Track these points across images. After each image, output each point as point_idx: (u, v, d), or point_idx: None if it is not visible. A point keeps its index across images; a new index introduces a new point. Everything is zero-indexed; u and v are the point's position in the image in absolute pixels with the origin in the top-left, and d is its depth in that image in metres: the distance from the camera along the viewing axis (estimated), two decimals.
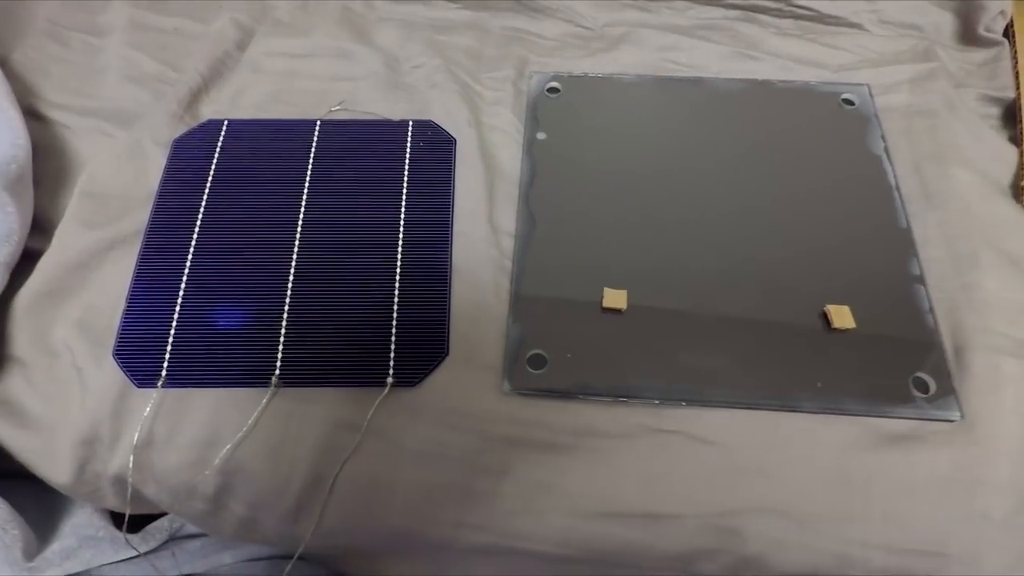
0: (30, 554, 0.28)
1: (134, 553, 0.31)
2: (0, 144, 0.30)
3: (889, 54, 0.37)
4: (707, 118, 0.35)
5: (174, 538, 0.34)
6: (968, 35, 0.38)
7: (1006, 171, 0.33)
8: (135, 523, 0.32)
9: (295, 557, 0.28)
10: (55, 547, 0.29)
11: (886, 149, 0.34)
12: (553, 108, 0.36)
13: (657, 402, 0.28)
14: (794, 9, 0.38)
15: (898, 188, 0.33)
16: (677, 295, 0.30)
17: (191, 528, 0.35)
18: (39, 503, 0.30)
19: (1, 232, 0.29)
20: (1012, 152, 0.34)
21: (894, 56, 0.37)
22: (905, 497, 0.26)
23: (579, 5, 0.39)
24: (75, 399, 0.28)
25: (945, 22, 0.38)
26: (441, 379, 0.28)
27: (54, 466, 0.28)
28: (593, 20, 0.39)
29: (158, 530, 0.32)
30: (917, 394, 0.27)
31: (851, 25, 0.38)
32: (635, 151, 0.34)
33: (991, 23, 0.37)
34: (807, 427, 0.27)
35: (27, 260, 0.31)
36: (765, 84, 0.36)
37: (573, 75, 0.37)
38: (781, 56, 0.37)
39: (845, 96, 0.36)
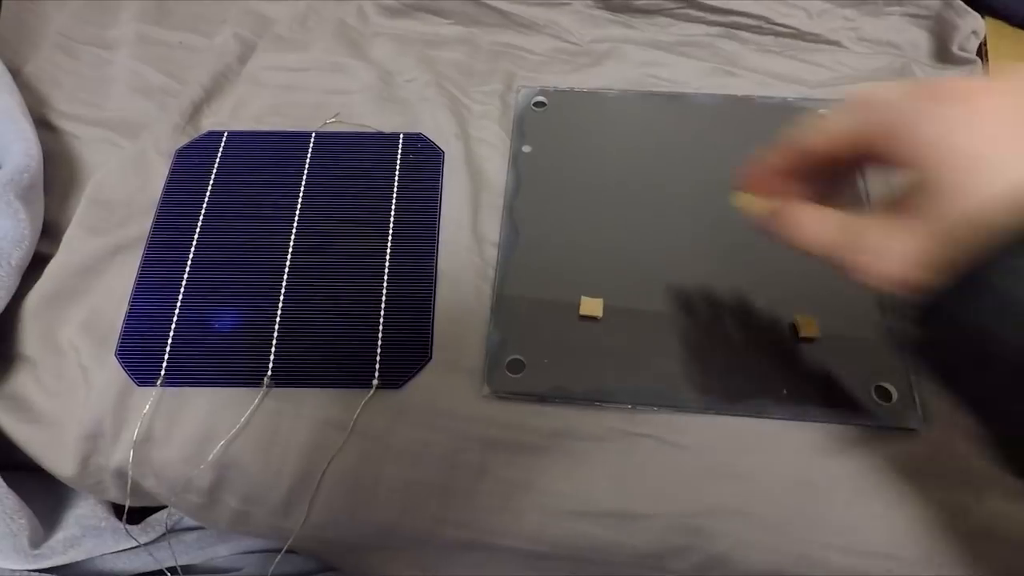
0: (36, 542, 0.29)
1: (134, 544, 0.32)
2: (14, 154, 0.32)
3: (866, 71, 0.39)
4: (687, 133, 0.37)
5: (172, 530, 0.35)
6: (943, 53, 0.39)
7: None
8: (136, 515, 0.33)
9: (283, 550, 0.29)
10: (59, 536, 0.30)
11: None
12: (539, 122, 0.37)
13: (630, 407, 0.29)
14: (774, 27, 0.40)
15: (868, 200, 0.34)
16: (652, 304, 0.31)
17: (189, 521, 0.36)
18: (45, 494, 0.31)
19: (14, 237, 0.30)
20: None
21: (871, 73, 0.38)
22: (863, 501, 0.27)
23: (566, 21, 0.41)
24: (80, 396, 0.30)
25: (921, 40, 0.39)
26: (424, 382, 0.30)
27: (59, 459, 0.30)
28: (580, 36, 0.41)
29: (157, 522, 0.34)
30: (879, 402, 0.29)
31: (830, 42, 0.39)
32: (616, 164, 0.36)
33: (964, 42, 0.38)
34: (773, 432, 0.29)
35: (37, 264, 0.32)
36: (744, 100, 0.38)
37: (559, 89, 0.38)
38: (760, 72, 0.39)
39: (822, 111, 0.37)
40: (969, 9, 0.38)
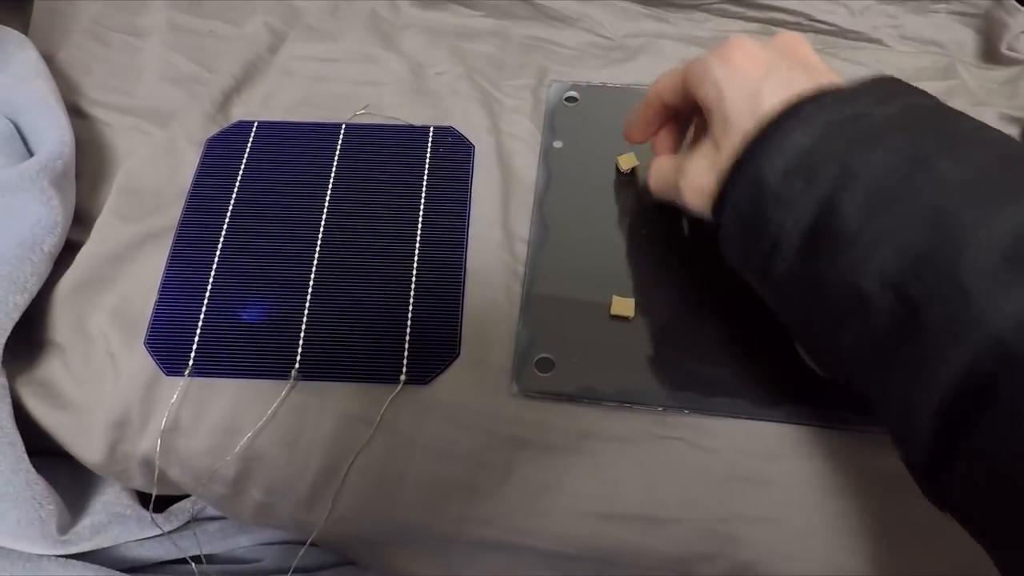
0: (63, 528, 0.30)
1: (158, 532, 0.33)
2: (47, 141, 0.32)
3: (909, 70, 0.37)
4: None
5: (195, 519, 0.35)
6: (990, 53, 0.37)
7: None
8: (159, 503, 0.33)
9: (307, 543, 0.29)
10: (86, 522, 0.31)
11: None
12: (570, 117, 0.37)
13: (660, 409, 0.29)
14: (814, 23, 0.39)
15: None
16: (685, 305, 0.31)
17: (211, 511, 0.36)
18: (72, 480, 0.31)
19: (46, 224, 0.30)
20: None
21: (914, 72, 0.37)
22: (898, 509, 0.26)
23: (600, 15, 0.40)
24: (108, 384, 0.30)
25: (967, 39, 0.38)
26: (452, 378, 0.29)
27: (87, 446, 0.30)
28: (613, 30, 0.40)
29: (181, 511, 0.34)
30: None
31: (872, 40, 0.38)
32: (649, 162, 0.35)
33: (1013, 41, 0.36)
34: (805, 438, 0.28)
35: (68, 251, 0.32)
36: None
37: (591, 85, 0.38)
38: None
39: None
40: (1020, 7, 0.37)
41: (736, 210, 0.23)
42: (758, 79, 0.23)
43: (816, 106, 0.22)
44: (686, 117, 0.30)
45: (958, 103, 0.36)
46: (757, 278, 0.24)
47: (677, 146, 0.30)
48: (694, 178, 0.25)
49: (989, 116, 0.36)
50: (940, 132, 0.21)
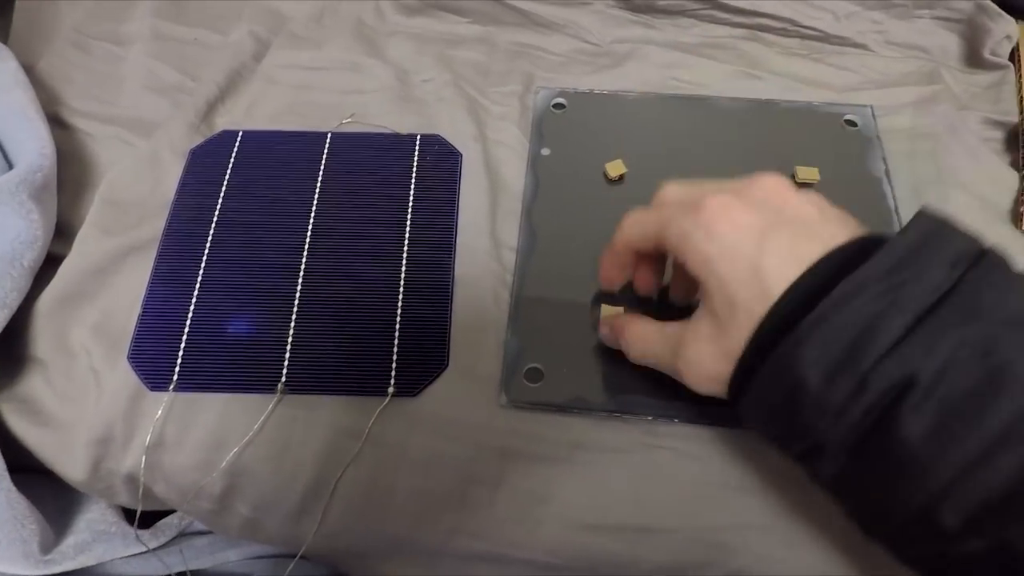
0: (47, 547, 0.29)
1: (144, 549, 0.32)
2: (27, 153, 0.32)
3: (894, 75, 0.38)
4: (709, 136, 0.36)
5: (183, 534, 0.35)
6: (973, 58, 0.38)
7: (1006, 196, 0.33)
8: (145, 519, 0.33)
9: (297, 556, 0.29)
10: (70, 541, 0.30)
11: (887, 171, 0.34)
12: (558, 124, 0.36)
13: (650, 418, 0.28)
14: (800, 29, 0.39)
15: (897, 211, 0.33)
16: (673, 313, 0.30)
17: (199, 525, 0.36)
18: (55, 498, 0.31)
19: (26, 238, 0.30)
20: (1013, 177, 0.34)
21: (899, 77, 0.38)
22: None
23: (587, 21, 0.40)
24: (91, 400, 0.29)
25: (951, 44, 0.38)
26: (440, 390, 0.29)
27: (70, 463, 0.29)
28: (600, 36, 0.40)
29: (167, 527, 0.33)
30: None
31: (857, 46, 0.39)
32: (636, 168, 0.35)
33: (996, 47, 0.37)
34: None
35: (49, 265, 0.32)
36: (768, 104, 0.37)
37: (578, 91, 0.38)
38: (785, 76, 0.38)
39: (848, 117, 0.36)
40: (1003, 13, 0.37)
41: (762, 403, 0.21)
42: (754, 251, 0.21)
43: (844, 278, 0.19)
44: (662, 254, 0.28)
45: (942, 108, 0.36)
46: (800, 466, 0.23)
47: (658, 281, 0.29)
48: (701, 366, 0.23)
49: (973, 120, 0.36)
50: (1004, 303, 0.17)
